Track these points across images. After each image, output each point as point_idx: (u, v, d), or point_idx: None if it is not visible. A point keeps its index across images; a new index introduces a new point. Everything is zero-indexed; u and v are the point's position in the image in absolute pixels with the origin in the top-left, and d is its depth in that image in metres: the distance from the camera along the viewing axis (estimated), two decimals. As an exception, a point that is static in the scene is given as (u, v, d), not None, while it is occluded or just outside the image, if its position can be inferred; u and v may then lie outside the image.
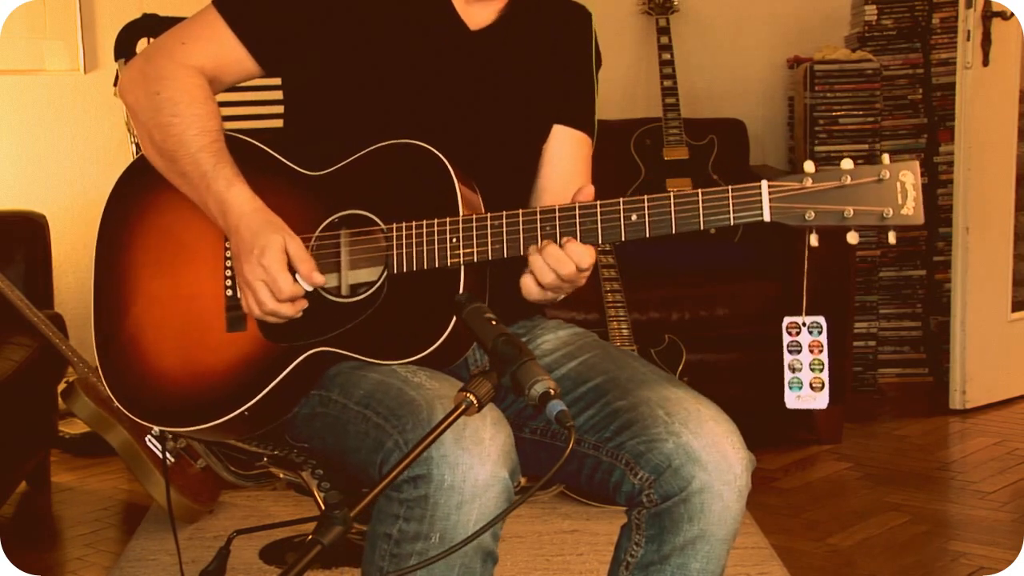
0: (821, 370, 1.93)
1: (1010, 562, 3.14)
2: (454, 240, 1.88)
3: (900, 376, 5.09)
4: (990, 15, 4.51)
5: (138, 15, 2.42)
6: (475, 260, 1.88)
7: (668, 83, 4.71)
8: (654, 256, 4.30)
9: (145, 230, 2.08)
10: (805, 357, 1.94)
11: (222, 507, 3.65)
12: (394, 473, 1.56)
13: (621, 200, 1.82)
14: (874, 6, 4.98)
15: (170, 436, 2.41)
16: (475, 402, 1.55)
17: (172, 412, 2.00)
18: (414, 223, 1.90)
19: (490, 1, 2.10)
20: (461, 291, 1.87)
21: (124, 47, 2.33)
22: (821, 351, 1.93)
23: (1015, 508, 3.64)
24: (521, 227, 1.86)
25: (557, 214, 1.85)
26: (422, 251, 1.90)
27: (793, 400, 1.94)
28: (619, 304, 3.82)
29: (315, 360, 1.94)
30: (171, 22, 2.24)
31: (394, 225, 1.92)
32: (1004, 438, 4.33)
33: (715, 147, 4.65)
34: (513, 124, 2.11)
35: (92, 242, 2.11)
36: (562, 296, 1.93)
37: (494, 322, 1.68)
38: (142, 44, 2.34)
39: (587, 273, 1.88)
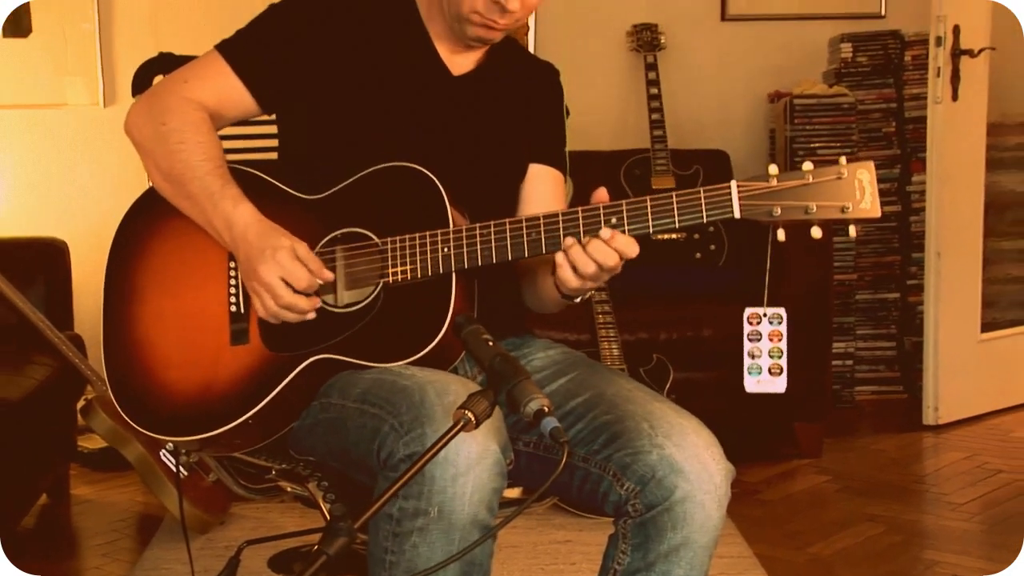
0: (780, 357, 1.96)
1: (982, 570, 3.15)
2: (445, 250, 1.90)
3: (876, 393, 5.09)
4: (959, 53, 4.52)
5: (154, 53, 2.42)
6: (466, 267, 1.90)
7: (656, 116, 4.73)
8: (643, 280, 4.30)
9: (152, 254, 2.10)
10: (765, 345, 1.96)
11: (232, 519, 3.63)
12: (398, 484, 1.55)
13: (601, 205, 1.84)
14: (850, 44, 5.00)
15: (183, 451, 2.40)
16: (473, 419, 1.56)
17: (179, 423, 1.99)
18: (407, 236, 1.92)
19: (471, 51, 2.16)
20: (453, 300, 1.89)
21: (141, 84, 2.33)
22: (780, 340, 1.96)
23: (985, 519, 3.64)
24: (508, 235, 1.88)
25: (542, 221, 1.86)
26: (415, 261, 1.91)
27: (752, 384, 1.97)
28: (610, 325, 3.82)
29: (316, 368, 1.95)
30: (186, 61, 2.25)
31: (388, 239, 1.94)
32: (974, 452, 4.33)
33: (700, 176, 4.65)
34: (492, 161, 2.15)
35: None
36: (591, 288, 1.92)
37: (491, 343, 1.69)
38: (158, 81, 2.34)
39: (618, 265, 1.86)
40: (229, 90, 2.10)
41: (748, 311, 1.98)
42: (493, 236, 1.89)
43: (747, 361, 1.97)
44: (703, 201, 1.80)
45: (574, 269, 1.85)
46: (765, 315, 1.97)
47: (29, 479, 3.41)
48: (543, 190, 2.20)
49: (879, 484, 4.03)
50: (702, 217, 1.81)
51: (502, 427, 1.80)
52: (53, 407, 3.54)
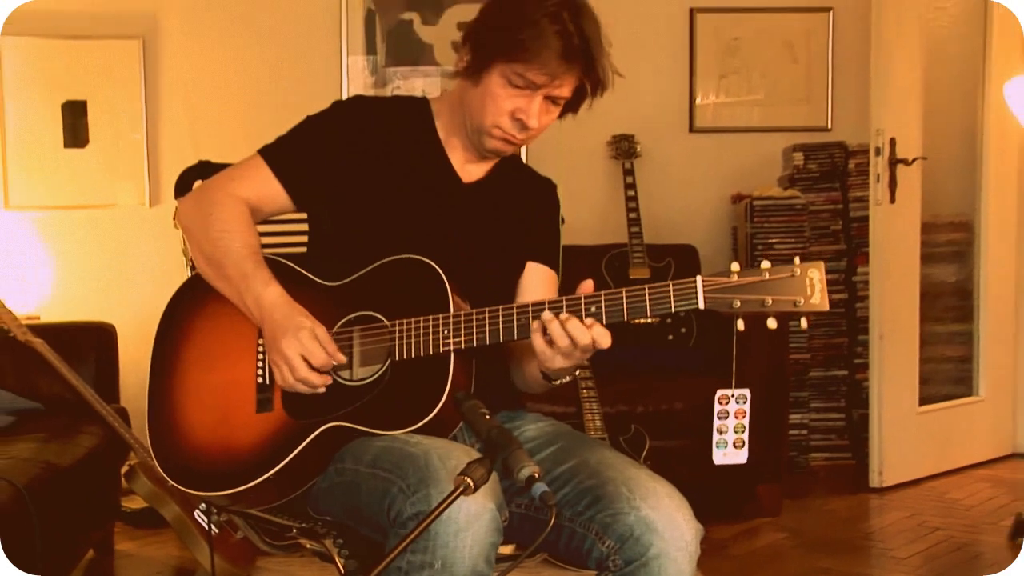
0: (743, 432, 1.96)
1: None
2: (445, 332, 1.91)
3: (828, 459, 5.06)
4: (895, 162, 4.57)
5: (194, 160, 2.43)
6: (463, 348, 1.90)
7: (633, 215, 4.75)
8: (622, 359, 4.29)
9: (192, 333, 2.12)
10: (731, 422, 1.96)
11: (257, 571, 3.57)
12: (406, 541, 1.55)
13: (583, 296, 1.85)
14: (801, 153, 5.04)
15: (215, 511, 2.38)
16: (471, 484, 1.55)
17: (211, 480, 2.00)
18: (412, 319, 1.93)
19: (482, 163, 2.19)
20: (451, 375, 1.89)
21: (182, 187, 2.34)
22: (744, 417, 1.96)
23: (925, 572, 3.61)
24: (501, 319, 1.89)
25: (530, 308, 1.87)
26: (419, 341, 1.92)
27: (720, 457, 1.97)
28: (593, 399, 3.80)
29: (331, 434, 1.95)
30: (221, 167, 2.27)
31: (396, 321, 1.95)
32: (915, 512, 4.31)
33: (672, 268, 4.67)
34: (493, 258, 2.17)
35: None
36: (570, 368, 1.91)
37: (488, 416, 1.69)
38: (197, 185, 2.36)
39: (590, 352, 1.86)
40: (268, 189, 2.13)
41: (719, 392, 1.97)
42: (487, 320, 1.89)
43: (715, 436, 1.96)
44: (672, 293, 1.81)
45: (550, 342, 1.84)
46: (733, 396, 1.97)
47: (78, 535, 3.38)
48: (537, 283, 2.22)
49: (831, 540, 4.00)
50: (671, 307, 1.80)
51: (498, 488, 1.80)
52: (100, 471, 3.51)
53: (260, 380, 2.03)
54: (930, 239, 4.92)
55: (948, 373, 5.13)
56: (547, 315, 1.83)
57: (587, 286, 1.87)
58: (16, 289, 4.68)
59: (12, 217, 4.80)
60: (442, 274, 1.95)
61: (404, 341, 1.93)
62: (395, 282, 2.01)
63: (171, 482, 2.01)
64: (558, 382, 2.00)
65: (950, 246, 5.13)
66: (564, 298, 1.85)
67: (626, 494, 1.85)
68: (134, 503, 4.13)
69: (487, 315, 1.90)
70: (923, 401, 4.83)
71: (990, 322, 5.10)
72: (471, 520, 1.71)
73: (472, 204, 2.17)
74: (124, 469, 3.56)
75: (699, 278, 1.80)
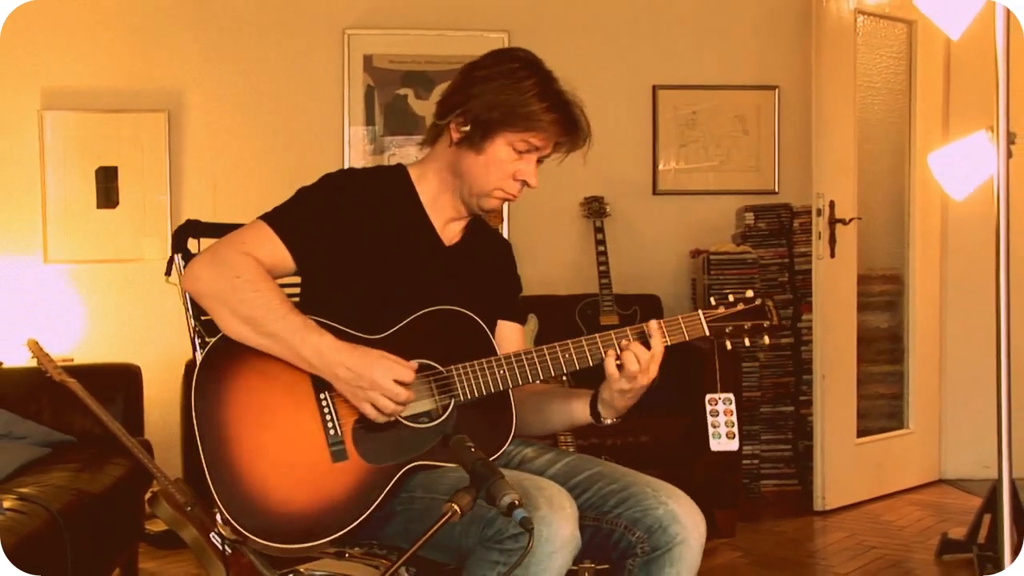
0: (732, 426, 2.15)
1: (861, 628, 3.12)
2: (502, 372, 1.98)
3: (777, 486, 5.07)
4: (834, 221, 4.61)
5: (212, 219, 2.42)
6: (520, 384, 1.99)
7: (603, 268, 4.78)
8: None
9: (237, 397, 1.96)
10: (722, 419, 2.15)
11: (267, 588, 3.57)
12: (403, 559, 1.54)
13: (613, 332, 2.02)
14: (752, 213, 5.09)
15: (227, 537, 2.35)
16: (458, 511, 1.56)
17: (311, 531, 1.89)
18: (468, 363, 1.99)
19: (457, 223, 2.21)
20: (515, 410, 2.01)
21: (177, 243, 2.32)
22: (732, 414, 2.16)
23: (864, 586, 3.62)
24: (548, 359, 2.00)
25: (572, 347, 2.00)
26: (480, 382, 1.98)
27: (716, 445, 2.15)
28: (567, 432, 3.81)
29: (408, 473, 1.95)
30: (208, 226, 2.26)
31: (452, 367, 1.99)
32: (853, 532, 4.33)
33: (638, 316, 4.69)
34: (476, 313, 2.14)
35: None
36: (629, 398, 2.09)
37: (473, 449, 1.70)
38: (191, 242, 2.32)
39: (654, 370, 2.05)
40: (275, 251, 2.05)
41: (708, 396, 2.18)
42: (536, 360, 1.99)
43: (711, 430, 2.15)
44: (683, 325, 2.03)
45: (620, 367, 2.00)
46: (720, 399, 2.16)
47: (106, 555, 3.36)
48: (510, 338, 2.25)
49: (781, 559, 4.01)
50: (684, 336, 2.03)
51: (578, 519, 1.85)
52: (126, 498, 3.50)
53: (332, 431, 1.94)
54: (865, 290, 4.96)
55: (882, 408, 5.16)
56: (610, 360, 2.01)
57: (652, 326, 2.02)
58: (53, 333, 4.68)
59: (50, 270, 4.81)
60: (480, 322, 2.00)
61: (466, 384, 1.98)
62: (435, 332, 2.02)
63: (264, 542, 1.87)
64: (609, 422, 2.11)
65: (883, 296, 5.17)
66: (598, 335, 2.01)
67: (652, 493, 1.96)
68: (156, 526, 4.11)
69: (535, 355, 1.99)
70: (860, 433, 4.86)
71: (918, 363, 5.14)
72: (565, 544, 1.77)
73: (454, 266, 2.19)
74: (147, 496, 3.54)
75: (700, 312, 2.03)
